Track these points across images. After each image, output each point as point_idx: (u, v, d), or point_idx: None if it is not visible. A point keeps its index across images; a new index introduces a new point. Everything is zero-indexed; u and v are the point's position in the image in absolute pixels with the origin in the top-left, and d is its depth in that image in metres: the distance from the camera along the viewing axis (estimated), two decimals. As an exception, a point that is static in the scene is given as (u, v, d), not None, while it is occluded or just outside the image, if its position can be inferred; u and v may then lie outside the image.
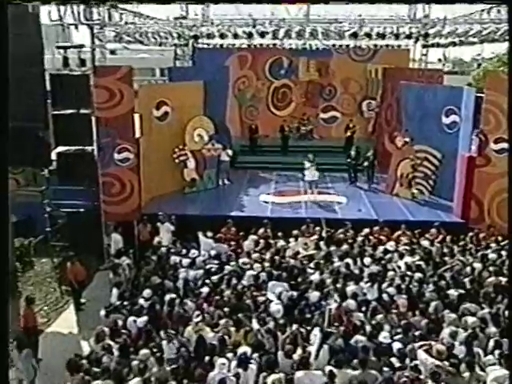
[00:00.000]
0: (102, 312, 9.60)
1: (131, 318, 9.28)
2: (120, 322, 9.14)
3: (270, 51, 22.85)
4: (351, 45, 22.32)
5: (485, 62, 35.37)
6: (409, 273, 10.73)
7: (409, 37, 14.38)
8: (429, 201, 16.17)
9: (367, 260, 11.29)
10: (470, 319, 8.62)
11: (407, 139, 16.24)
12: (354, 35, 13.94)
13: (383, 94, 21.30)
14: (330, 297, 9.35)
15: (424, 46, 21.03)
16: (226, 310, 9.41)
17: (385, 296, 9.89)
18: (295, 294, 9.93)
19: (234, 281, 10.44)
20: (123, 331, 8.95)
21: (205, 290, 10.18)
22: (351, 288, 10.08)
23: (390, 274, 10.55)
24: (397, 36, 14.15)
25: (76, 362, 7.61)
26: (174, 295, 9.90)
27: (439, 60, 28.07)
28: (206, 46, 23.03)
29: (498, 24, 13.07)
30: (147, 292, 10.02)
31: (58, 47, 13.16)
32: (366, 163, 17.75)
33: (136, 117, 14.58)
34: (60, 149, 13.79)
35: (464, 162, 14.32)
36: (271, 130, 22.49)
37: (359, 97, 23.03)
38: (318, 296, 9.81)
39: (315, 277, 10.63)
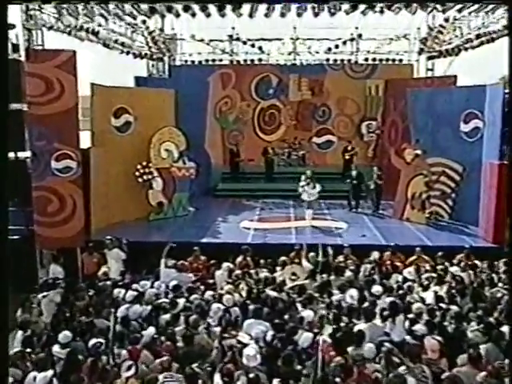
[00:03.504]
0: (-9, 364, 6.52)
1: (32, 374, 6.26)
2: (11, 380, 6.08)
3: (256, 68, 20.49)
4: (346, 59, 20.11)
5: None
6: (436, 306, 7.83)
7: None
8: (447, 224, 13.41)
9: (378, 290, 8.35)
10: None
11: (419, 151, 13.58)
12: (354, 6, 11.46)
13: (385, 110, 18.99)
14: (320, 334, 6.35)
15: (429, 58, 18.74)
16: (165, 359, 6.38)
17: (407, 337, 6.95)
18: (279, 335, 6.95)
19: (194, 319, 7.44)
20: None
21: (149, 331, 7.18)
22: (361, 327, 7.11)
23: (415, 307, 7.59)
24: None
25: None
26: (102, 340, 6.89)
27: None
28: (183, 62, 20.71)
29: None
30: (65, 335, 6.99)
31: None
32: (371, 185, 14.97)
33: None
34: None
35: (493, 172, 11.63)
36: (258, 156, 19.90)
37: (357, 118, 20.47)
38: (311, 338, 6.85)
39: (307, 313, 7.67)
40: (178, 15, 12.74)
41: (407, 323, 7.24)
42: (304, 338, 6.86)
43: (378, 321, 7.44)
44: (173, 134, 14.61)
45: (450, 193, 13.47)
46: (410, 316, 7.36)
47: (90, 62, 17.72)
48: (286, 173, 19.04)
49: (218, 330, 7.15)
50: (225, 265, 9.96)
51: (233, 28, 20.12)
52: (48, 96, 10.79)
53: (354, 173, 15.80)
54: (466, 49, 15.50)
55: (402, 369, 6.08)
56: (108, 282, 9.56)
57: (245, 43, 19.98)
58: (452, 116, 13.49)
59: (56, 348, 6.88)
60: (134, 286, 9.06)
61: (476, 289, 8.48)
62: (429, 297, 8.25)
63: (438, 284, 8.88)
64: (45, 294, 8.58)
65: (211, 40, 20.15)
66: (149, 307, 8.12)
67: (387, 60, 19.98)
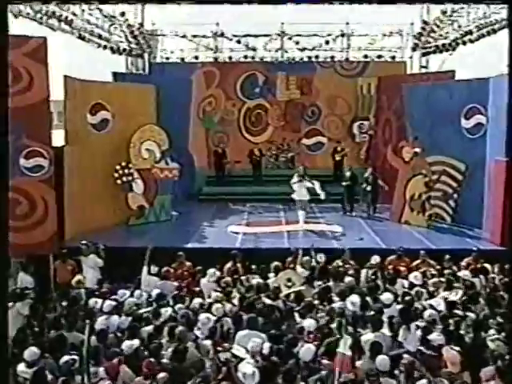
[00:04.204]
0: None
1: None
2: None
3: (241, 66, 19.87)
4: (337, 56, 19.62)
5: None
6: (448, 313, 7.29)
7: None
8: (448, 226, 13.00)
9: (388, 297, 7.75)
10: None
11: (418, 149, 13.07)
12: None
13: (378, 109, 18.48)
14: (340, 345, 5.68)
15: (424, 55, 18.32)
16: (161, 376, 5.71)
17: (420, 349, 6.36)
18: (277, 348, 6.30)
19: (180, 331, 6.75)
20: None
21: (131, 344, 6.46)
22: (368, 337, 6.50)
23: (427, 314, 7.01)
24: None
25: None
26: (75, 356, 6.17)
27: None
28: (165, 60, 20.02)
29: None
30: (31, 352, 6.26)
31: None
32: (368, 187, 14.39)
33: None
34: None
35: (500, 169, 11.14)
36: (244, 158, 19.27)
37: (348, 118, 19.86)
38: (314, 351, 6.22)
39: (309, 322, 7.05)
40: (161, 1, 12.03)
41: (419, 332, 6.66)
42: (305, 350, 6.23)
43: (385, 330, 6.86)
44: (154, 133, 13.94)
45: (451, 193, 12.98)
46: (423, 324, 6.79)
47: (63, 58, 17.09)
48: (275, 175, 18.48)
49: (207, 342, 6.52)
50: (211, 271, 9.30)
51: (217, 24, 19.57)
52: (15, 87, 10.02)
53: (347, 174, 15.31)
54: (464, 43, 15.05)
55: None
56: (82, 290, 8.91)
57: (230, 39, 19.34)
58: (452, 112, 13.06)
59: (21, 367, 6.15)
60: (111, 294, 8.45)
61: (491, 294, 7.93)
62: (439, 303, 7.70)
63: (448, 289, 8.37)
64: (10, 304, 7.79)
65: (194, 36, 19.47)
66: (129, 318, 7.47)
67: (379, 57, 19.49)
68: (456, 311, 7.26)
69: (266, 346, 6.32)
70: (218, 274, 9.26)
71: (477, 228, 12.40)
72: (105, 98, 13.19)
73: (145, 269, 9.27)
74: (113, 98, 13.36)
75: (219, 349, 6.15)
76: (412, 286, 8.57)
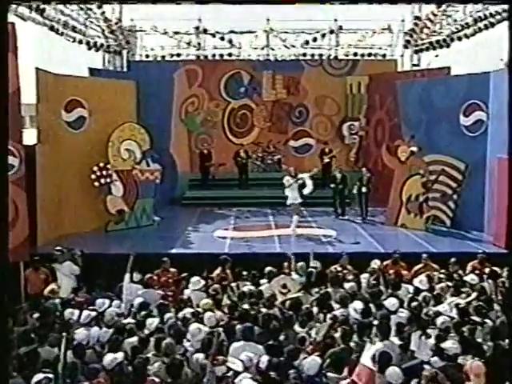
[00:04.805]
0: None
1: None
2: None
3: (225, 64, 19.47)
4: (325, 54, 19.31)
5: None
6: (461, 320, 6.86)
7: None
8: (447, 229, 12.75)
9: (392, 303, 7.30)
10: None
11: (414, 149, 12.74)
12: None
13: (369, 109, 18.16)
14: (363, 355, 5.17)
15: (416, 52, 18.09)
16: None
17: (434, 360, 5.90)
18: (277, 361, 5.79)
19: (168, 343, 6.20)
20: None
21: (111, 359, 5.88)
22: (376, 347, 6.02)
23: (440, 321, 6.57)
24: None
25: None
26: (49, 374, 5.59)
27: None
28: (144, 57, 19.52)
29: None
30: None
31: None
32: (363, 188, 13.97)
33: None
34: None
35: (503, 168, 10.80)
36: (229, 161, 18.80)
37: (338, 119, 19.59)
38: (319, 364, 5.73)
39: (312, 332, 6.62)
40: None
41: (432, 340, 6.22)
42: (310, 362, 5.73)
43: (394, 338, 6.41)
44: (134, 132, 13.47)
45: (451, 194, 12.66)
46: (436, 332, 6.34)
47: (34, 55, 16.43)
48: (261, 179, 18.23)
49: (199, 356, 5.98)
50: (195, 279, 8.73)
51: (199, 20, 19.15)
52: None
53: (338, 176, 14.90)
54: (459, 38, 14.80)
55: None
56: (57, 300, 8.33)
57: (213, 36, 18.94)
58: (450, 109, 12.88)
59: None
60: (89, 304, 7.89)
61: (504, 299, 7.54)
62: (451, 309, 7.27)
63: (455, 294, 7.97)
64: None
65: (176, 32, 19.02)
66: (110, 330, 6.90)
67: (369, 55, 19.27)
68: (470, 317, 6.84)
69: (264, 359, 5.81)
70: (202, 282, 8.74)
71: (477, 230, 12.11)
72: (81, 94, 12.78)
73: (127, 276, 8.74)
74: (90, 94, 12.96)
75: (214, 362, 5.61)
76: (418, 290, 8.16)
